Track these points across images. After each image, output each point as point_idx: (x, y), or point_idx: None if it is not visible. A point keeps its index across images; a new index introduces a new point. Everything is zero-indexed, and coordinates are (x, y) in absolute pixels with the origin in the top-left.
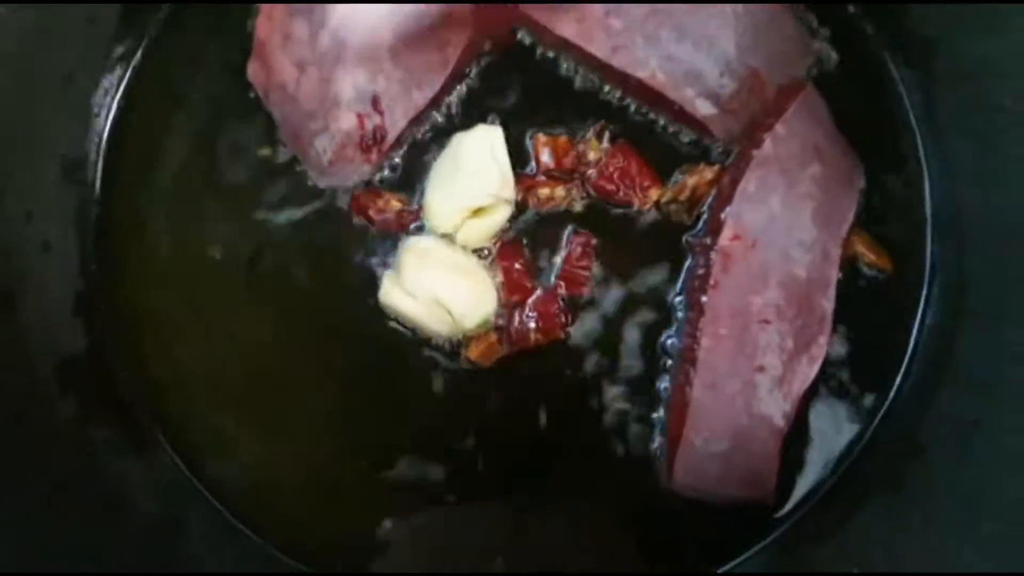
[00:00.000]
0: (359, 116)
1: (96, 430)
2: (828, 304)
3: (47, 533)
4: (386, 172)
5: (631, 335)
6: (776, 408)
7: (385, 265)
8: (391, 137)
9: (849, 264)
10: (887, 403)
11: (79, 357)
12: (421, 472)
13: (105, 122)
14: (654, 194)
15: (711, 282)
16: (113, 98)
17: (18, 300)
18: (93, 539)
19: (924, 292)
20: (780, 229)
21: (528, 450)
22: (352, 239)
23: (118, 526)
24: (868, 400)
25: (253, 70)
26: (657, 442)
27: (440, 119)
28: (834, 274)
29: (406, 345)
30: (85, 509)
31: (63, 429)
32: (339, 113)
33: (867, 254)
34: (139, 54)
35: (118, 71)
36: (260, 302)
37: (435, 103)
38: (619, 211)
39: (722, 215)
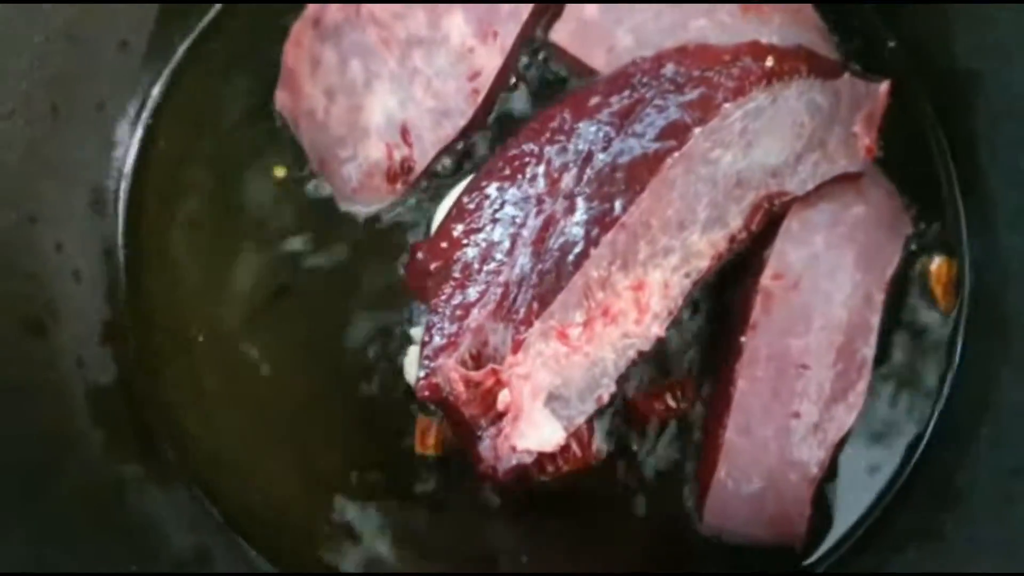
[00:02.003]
0: (387, 146)
1: (124, 463)
2: (869, 351)
3: (76, 565)
4: (411, 201)
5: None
6: (810, 455)
7: (410, 322)
8: (419, 169)
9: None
10: (922, 447)
11: (108, 387)
12: (448, 516)
13: (130, 150)
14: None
15: (750, 323)
16: (139, 126)
17: (51, 328)
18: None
19: (962, 332)
20: (823, 270)
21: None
22: (380, 276)
23: (144, 559)
24: (903, 443)
25: (281, 98)
26: (688, 483)
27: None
28: (876, 320)
29: None
30: (113, 542)
31: (93, 460)
32: (368, 142)
33: (937, 288)
34: (166, 81)
35: (144, 98)
36: (285, 334)
37: (465, 133)
38: None
39: (764, 253)
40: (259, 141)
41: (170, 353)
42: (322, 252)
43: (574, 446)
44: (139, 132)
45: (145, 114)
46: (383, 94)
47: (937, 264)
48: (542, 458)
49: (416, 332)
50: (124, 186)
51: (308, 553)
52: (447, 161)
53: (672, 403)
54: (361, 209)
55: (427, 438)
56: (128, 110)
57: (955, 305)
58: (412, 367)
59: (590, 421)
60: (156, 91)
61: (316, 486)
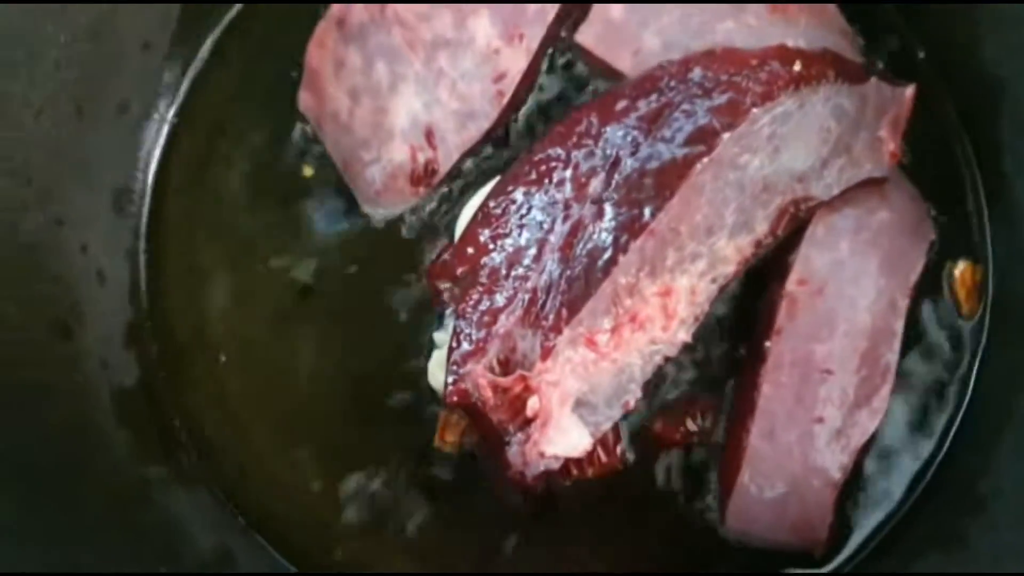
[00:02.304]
0: (412, 148)
1: (148, 464)
2: (892, 356)
3: (102, 565)
4: (434, 203)
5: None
6: (833, 460)
7: (435, 325)
8: (443, 171)
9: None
10: (944, 453)
11: (132, 389)
12: (472, 515)
13: (154, 151)
14: None
15: (775, 328)
16: (163, 126)
17: (76, 330)
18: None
19: (985, 338)
20: (847, 276)
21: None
22: (403, 278)
23: (168, 559)
24: (926, 449)
25: (304, 99)
26: (711, 487)
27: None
28: (900, 326)
29: None
30: (137, 542)
31: (118, 461)
32: (392, 144)
33: (961, 293)
34: (190, 81)
35: (168, 99)
36: (308, 336)
37: (489, 136)
38: None
39: (789, 258)
40: (282, 142)
41: (192, 355)
42: (345, 254)
43: (600, 451)
44: (163, 133)
45: (169, 115)
46: (408, 96)
47: (961, 269)
48: (568, 463)
49: (440, 336)
50: (147, 187)
51: (330, 554)
52: (471, 164)
53: (693, 427)
54: (384, 211)
55: (446, 433)
56: (151, 111)
57: (979, 311)
58: (436, 371)
59: (616, 426)
60: (180, 92)
61: (338, 487)
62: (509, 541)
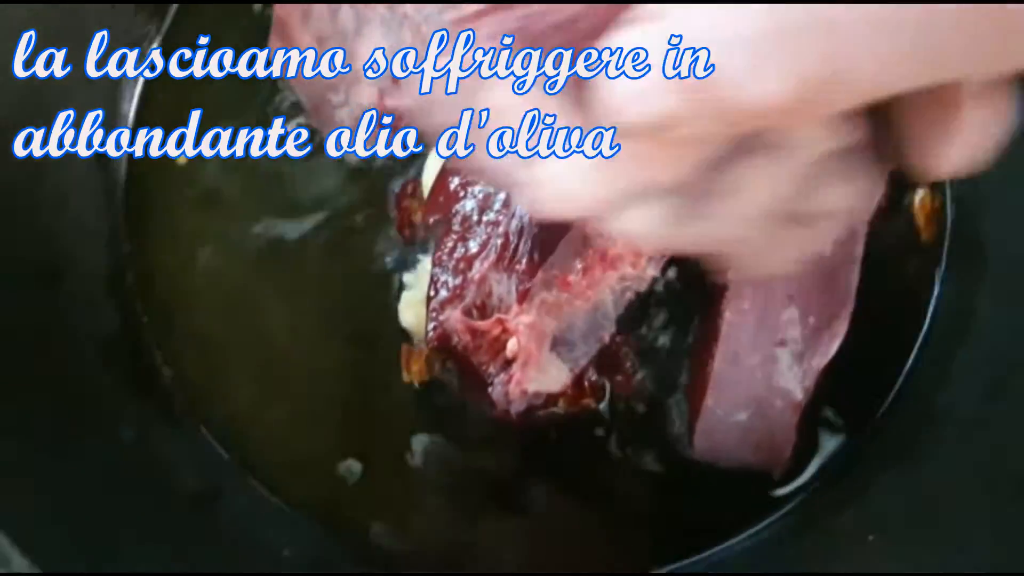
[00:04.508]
0: (379, 91)
1: (135, 407)
2: (853, 280)
3: (91, 505)
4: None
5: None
6: (796, 382)
7: (404, 266)
8: None
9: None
10: (904, 371)
11: (116, 335)
12: (447, 452)
13: (131, 100)
14: None
15: None
16: (137, 82)
17: (58, 280)
18: (134, 510)
19: (943, 253)
20: None
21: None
22: (373, 220)
23: (158, 497)
24: (885, 367)
25: (273, 47)
26: (679, 410)
27: None
28: (859, 251)
29: None
30: (126, 481)
31: (105, 405)
32: (360, 87)
33: (920, 217)
34: (160, 36)
35: (141, 52)
36: (289, 281)
37: None
38: None
39: None
40: (258, 90)
41: (175, 304)
42: (318, 198)
43: (574, 387)
44: (137, 88)
45: (141, 67)
46: (374, 39)
47: (921, 196)
48: (548, 398)
49: (409, 277)
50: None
51: (316, 489)
52: None
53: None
54: (354, 154)
55: (411, 364)
56: (123, 61)
57: (937, 234)
58: (406, 312)
59: (592, 361)
60: (152, 42)
61: (320, 423)
62: (497, 470)
